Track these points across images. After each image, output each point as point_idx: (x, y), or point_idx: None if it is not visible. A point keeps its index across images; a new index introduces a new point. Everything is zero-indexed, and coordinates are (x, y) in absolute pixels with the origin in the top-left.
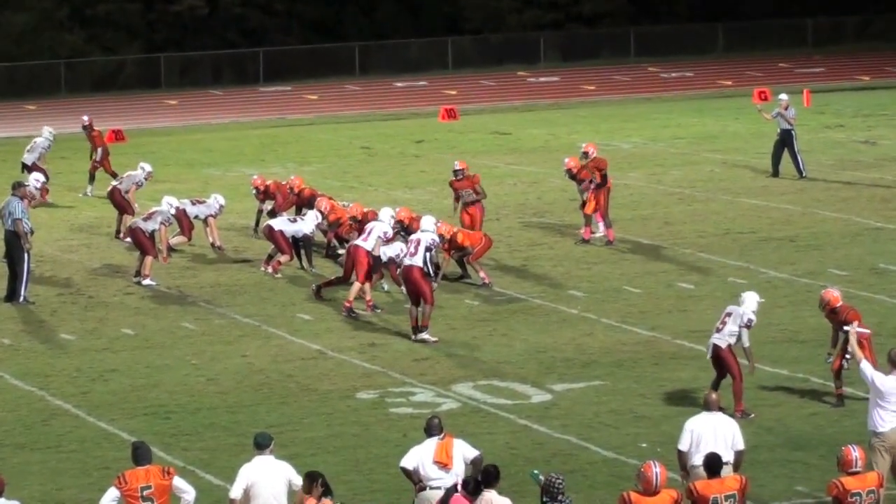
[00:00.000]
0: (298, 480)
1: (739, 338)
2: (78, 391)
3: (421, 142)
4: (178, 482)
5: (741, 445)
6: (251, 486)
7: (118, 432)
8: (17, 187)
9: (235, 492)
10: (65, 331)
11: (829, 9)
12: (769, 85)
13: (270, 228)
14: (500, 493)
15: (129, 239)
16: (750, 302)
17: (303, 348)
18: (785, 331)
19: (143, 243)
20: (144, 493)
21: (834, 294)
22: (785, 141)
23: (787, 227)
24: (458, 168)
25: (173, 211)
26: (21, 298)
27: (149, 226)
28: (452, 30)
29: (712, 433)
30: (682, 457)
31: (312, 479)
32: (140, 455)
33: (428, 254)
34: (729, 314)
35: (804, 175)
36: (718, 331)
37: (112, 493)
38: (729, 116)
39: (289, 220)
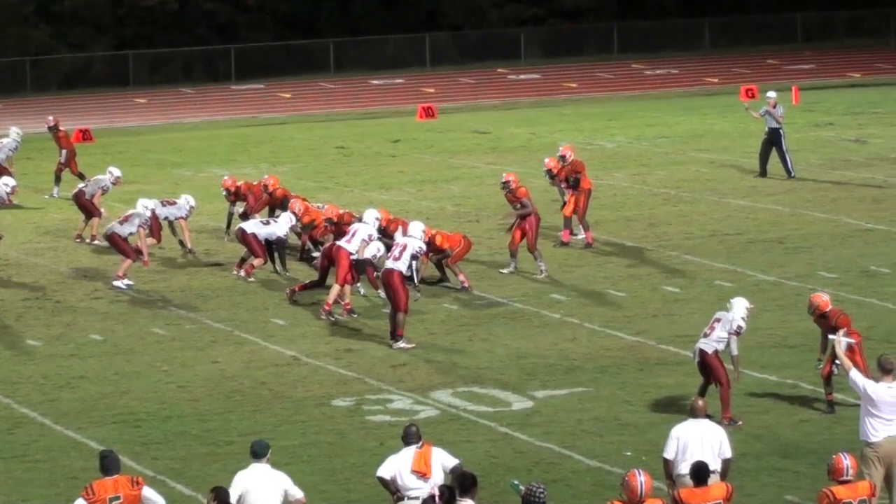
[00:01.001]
0: (294, 490)
1: (728, 345)
2: (45, 399)
3: (398, 141)
4: (148, 492)
5: (729, 453)
6: (245, 494)
7: (86, 441)
8: None
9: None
10: (31, 336)
11: (819, 4)
12: (757, 82)
13: (243, 231)
14: (478, 502)
15: (96, 242)
16: (739, 308)
17: (276, 354)
18: (773, 335)
19: (120, 247)
20: (114, 503)
21: (823, 298)
22: (773, 140)
23: (775, 229)
24: (505, 180)
25: (149, 213)
26: None
27: (125, 229)
28: (430, 26)
29: (699, 441)
30: (668, 465)
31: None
32: (108, 465)
33: (414, 262)
34: (718, 320)
35: (793, 175)
36: (706, 336)
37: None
38: (715, 115)
39: (262, 222)
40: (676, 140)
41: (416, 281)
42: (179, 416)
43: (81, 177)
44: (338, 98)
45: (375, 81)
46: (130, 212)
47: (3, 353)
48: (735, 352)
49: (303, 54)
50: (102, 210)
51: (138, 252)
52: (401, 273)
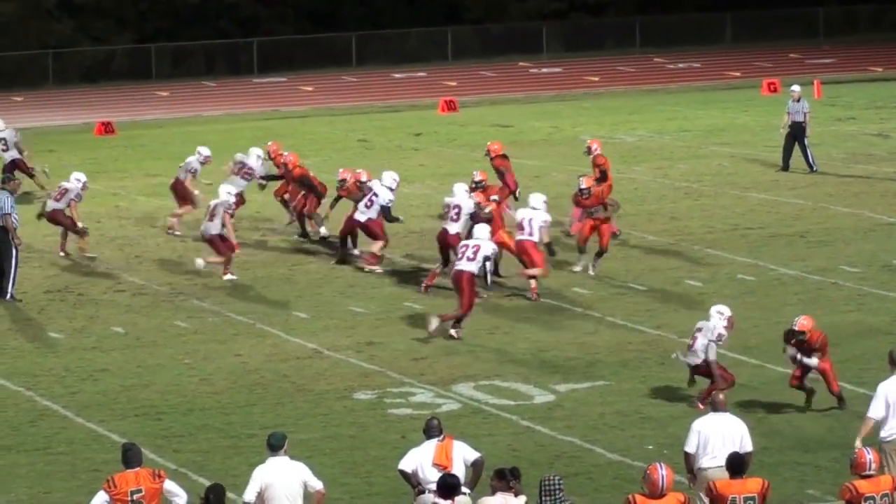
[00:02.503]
0: (314, 481)
1: (707, 351)
2: (66, 391)
3: (420, 135)
4: (170, 485)
5: (749, 447)
6: (266, 489)
7: (108, 434)
8: (7, 181)
9: (249, 495)
10: (53, 329)
11: None
12: (779, 76)
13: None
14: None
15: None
16: (718, 318)
17: (298, 347)
18: None
19: (215, 245)
20: (135, 496)
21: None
22: (795, 134)
23: (797, 223)
24: (584, 187)
25: (233, 199)
26: (8, 296)
27: (212, 227)
28: (452, 19)
29: (720, 434)
30: (689, 459)
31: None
32: (130, 457)
33: (487, 263)
34: (699, 329)
35: (815, 169)
36: (690, 348)
37: (101, 497)
38: (737, 108)
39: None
40: (698, 134)
41: (487, 282)
42: (201, 409)
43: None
44: (360, 91)
45: (397, 75)
46: (214, 203)
47: (26, 345)
48: (712, 357)
49: (325, 48)
50: (196, 192)
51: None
52: (472, 274)
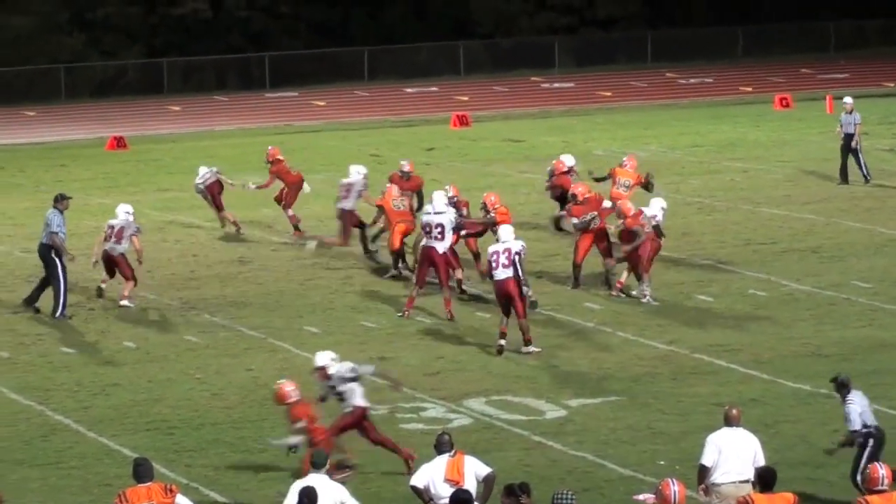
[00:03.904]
0: (351, 502)
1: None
2: (79, 406)
3: (432, 149)
4: (182, 500)
5: (762, 462)
6: None
7: (120, 448)
8: (59, 200)
9: None
10: (65, 344)
11: (852, 12)
12: (791, 91)
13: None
14: None
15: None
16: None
17: (310, 362)
18: (807, 345)
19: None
20: None
21: None
22: (849, 146)
23: (809, 238)
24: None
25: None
26: (59, 314)
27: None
28: (463, 34)
29: (734, 449)
30: (704, 472)
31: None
32: (142, 472)
33: (519, 262)
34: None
35: (869, 180)
36: None
37: None
38: (749, 123)
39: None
40: (710, 149)
41: (523, 278)
42: (213, 423)
43: None
44: (372, 106)
45: (409, 90)
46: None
47: (38, 360)
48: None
49: (336, 62)
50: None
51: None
52: (515, 280)
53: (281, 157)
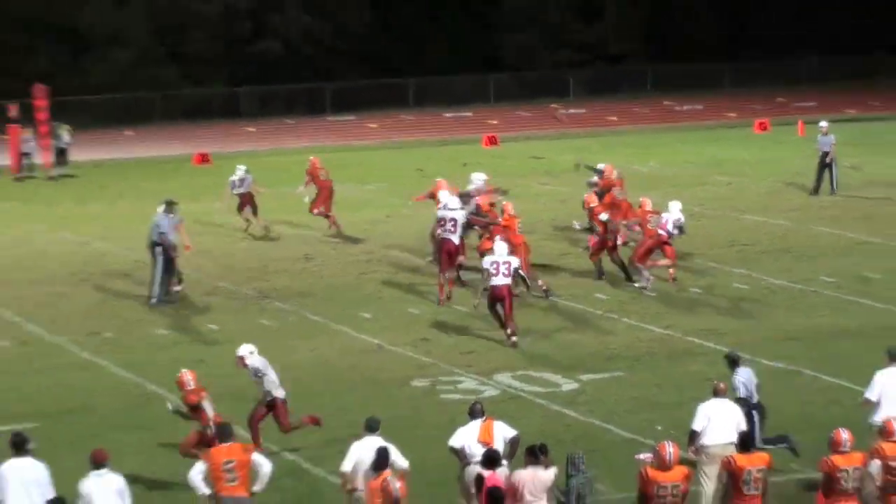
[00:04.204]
0: (401, 461)
1: None
2: (171, 379)
3: (466, 164)
4: (257, 457)
5: (743, 427)
6: (359, 463)
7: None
8: (168, 205)
9: (346, 465)
10: (160, 326)
11: (820, 50)
12: (768, 117)
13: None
14: (548, 465)
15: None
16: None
17: (364, 343)
18: (781, 330)
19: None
20: (227, 466)
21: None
22: (825, 163)
23: (784, 241)
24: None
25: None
26: (156, 300)
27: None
28: (493, 67)
29: (720, 417)
30: (695, 436)
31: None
32: (224, 433)
33: (520, 272)
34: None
35: (834, 192)
36: None
37: (200, 467)
38: (734, 144)
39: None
40: (701, 165)
41: (529, 284)
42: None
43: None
44: (416, 128)
45: (447, 115)
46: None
47: (137, 341)
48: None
49: (387, 91)
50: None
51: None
52: (507, 286)
53: (320, 167)
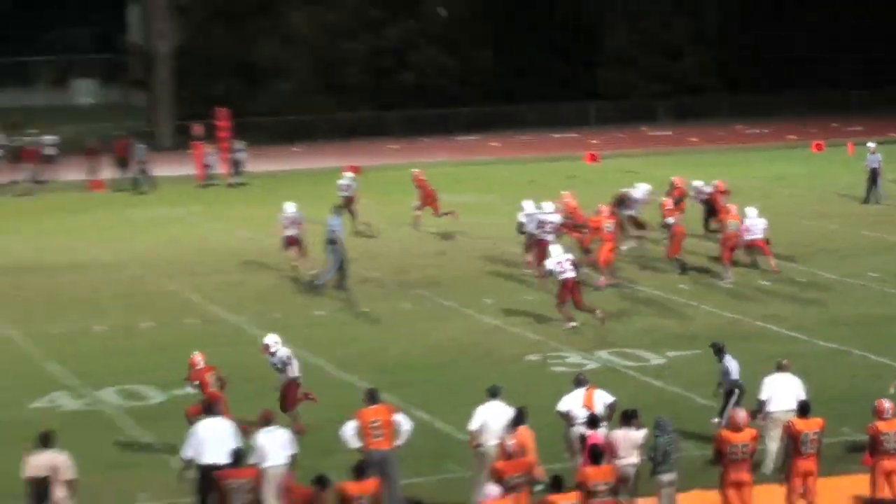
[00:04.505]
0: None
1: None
2: (328, 353)
3: (572, 177)
4: (399, 417)
5: (803, 396)
6: (484, 423)
7: (354, 382)
8: (338, 208)
9: (474, 425)
10: (320, 308)
11: (865, 83)
12: (823, 139)
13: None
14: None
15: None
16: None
17: (486, 323)
18: (834, 316)
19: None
20: (374, 424)
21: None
22: (873, 177)
23: (835, 242)
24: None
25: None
26: (321, 284)
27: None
28: (594, 96)
29: (783, 387)
30: (762, 404)
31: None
32: (372, 397)
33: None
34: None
35: (880, 203)
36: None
37: (351, 424)
38: (795, 162)
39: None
40: (767, 180)
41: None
42: (421, 366)
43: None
44: (530, 147)
45: (556, 135)
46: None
47: (300, 321)
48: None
49: (506, 115)
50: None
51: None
52: (574, 280)
53: (423, 178)
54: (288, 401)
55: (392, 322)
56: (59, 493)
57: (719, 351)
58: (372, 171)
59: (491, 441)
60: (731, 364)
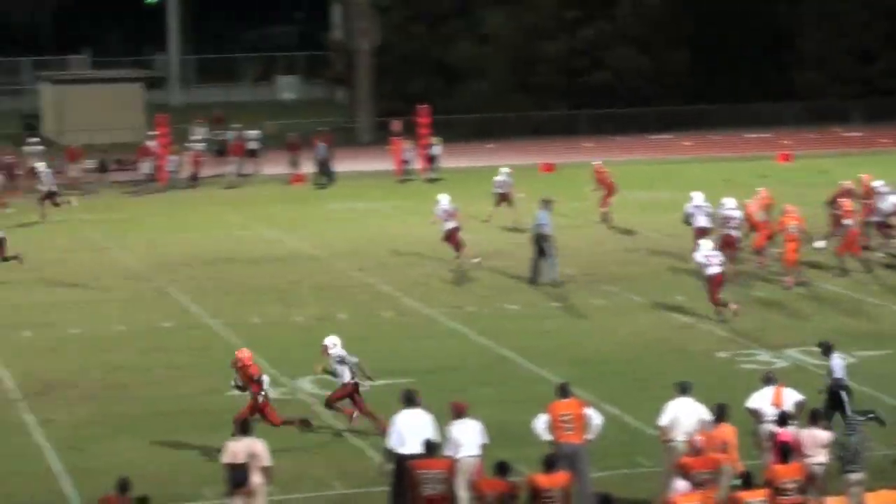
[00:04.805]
0: (709, 419)
1: None
2: (520, 345)
3: (765, 176)
4: (590, 411)
5: None
6: (675, 419)
7: (548, 376)
8: (546, 202)
9: (664, 420)
10: (511, 302)
11: None
12: None
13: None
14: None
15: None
16: None
17: (675, 319)
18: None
19: None
20: (565, 418)
21: None
22: None
23: None
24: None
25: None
26: (550, 279)
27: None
28: (788, 97)
29: None
30: None
31: None
32: (564, 391)
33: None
34: None
35: None
36: None
37: (544, 417)
38: None
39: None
40: None
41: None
42: (611, 360)
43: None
44: (723, 146)
45: (749, 135)
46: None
47: (492, 313)
48: None
49: (699, 115)
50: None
51: None
52: (721, 273)
53: (603, 170)
54: (333, 396)
55: (583, 317)
56: (256, 479)
57: (827, 349)
58: (564, 168)
59: (680, 437)
60: (837, 363)
